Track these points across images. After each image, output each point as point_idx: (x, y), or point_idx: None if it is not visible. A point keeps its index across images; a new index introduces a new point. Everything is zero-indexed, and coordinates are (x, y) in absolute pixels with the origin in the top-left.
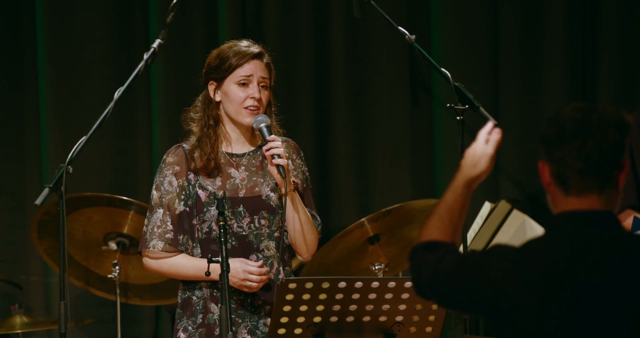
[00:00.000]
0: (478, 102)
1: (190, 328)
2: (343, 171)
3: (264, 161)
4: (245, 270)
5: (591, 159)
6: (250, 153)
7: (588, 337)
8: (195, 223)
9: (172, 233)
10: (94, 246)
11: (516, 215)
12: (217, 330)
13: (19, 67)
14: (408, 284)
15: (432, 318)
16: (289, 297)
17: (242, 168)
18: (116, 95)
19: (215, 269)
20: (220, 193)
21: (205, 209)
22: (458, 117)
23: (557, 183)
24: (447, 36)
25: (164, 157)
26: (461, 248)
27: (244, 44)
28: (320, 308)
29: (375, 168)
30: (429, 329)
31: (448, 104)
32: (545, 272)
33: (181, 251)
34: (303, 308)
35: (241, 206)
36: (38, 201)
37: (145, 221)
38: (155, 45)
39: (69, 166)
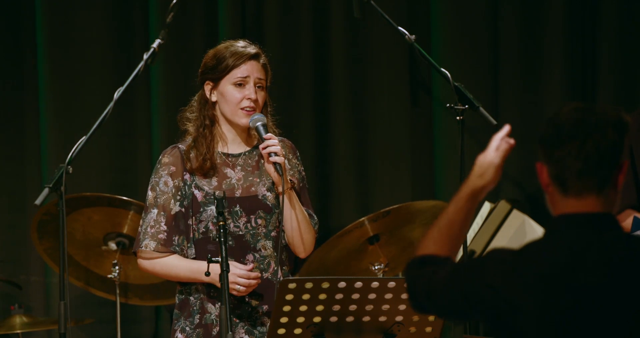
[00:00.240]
0: (478, 103)
1: (187, 328)
2: (343, 171)
3: (260, 161)
4: (233, 273)
5: (590, 160)
6: (246, 153)
7: None
8: (190, 223)
9: (166, 233)
10: (93, 246)
11: (516, 215)
12: (215, 330)
13: (19, 67)
14: None
15: (431, 318)
16: (289, 296)
17: (238, 168)
18: (116, 95)
19: (213, 269)
20: (220, 193)
21: (201, 210)
22: (458, 118)
23: (556, 184)
24: (447, 36)
25: (159, 157)
26: (461, 249)
27: (240, 44)
28: (320, 308)
29: (375, 168)
30: (428, 329)
31: (448, 104)
32: (545, 274)
33: (174, 252)
34: (303, 308)
35: (237, 205)
36: (38, 201)
37: (140, 221)
38: (155, 45)
39: (69, 166)
